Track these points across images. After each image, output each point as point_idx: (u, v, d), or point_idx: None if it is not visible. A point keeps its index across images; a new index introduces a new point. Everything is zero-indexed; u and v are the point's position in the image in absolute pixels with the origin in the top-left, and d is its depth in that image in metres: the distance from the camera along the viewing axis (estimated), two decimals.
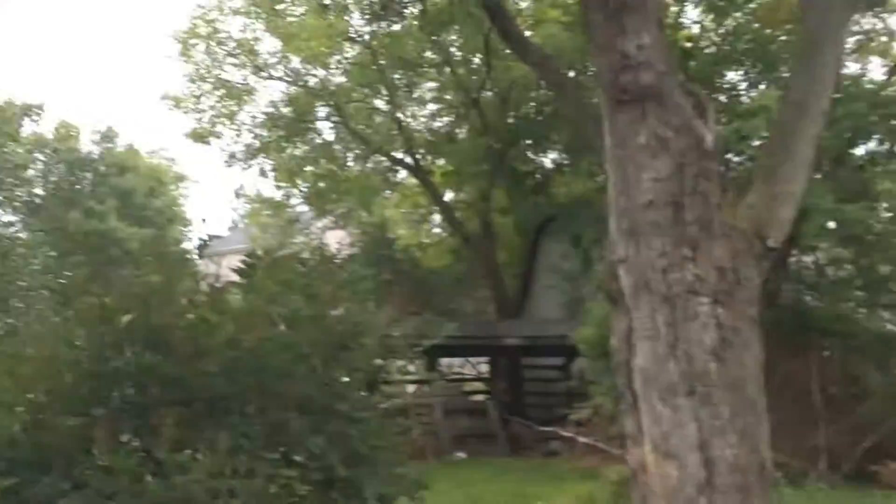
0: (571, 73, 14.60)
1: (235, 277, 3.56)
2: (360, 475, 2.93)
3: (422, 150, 22.64)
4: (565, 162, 20.78)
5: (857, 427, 13.66)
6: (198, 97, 22.42)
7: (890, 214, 14.57)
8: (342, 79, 22.23)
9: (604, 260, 7.24)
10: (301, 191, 24.30)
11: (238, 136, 23.06)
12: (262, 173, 23.69)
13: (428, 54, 21.20)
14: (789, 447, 13.36)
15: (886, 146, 14.58)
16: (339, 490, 2.95)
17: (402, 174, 23.98)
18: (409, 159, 22.16)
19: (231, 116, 22.69)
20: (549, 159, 22.42)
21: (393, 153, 22.51)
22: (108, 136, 36.49)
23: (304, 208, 25.23)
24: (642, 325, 6.67)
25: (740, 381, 6.50)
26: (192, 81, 22.30)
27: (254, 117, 22.63)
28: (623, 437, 14.16)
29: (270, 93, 25.06)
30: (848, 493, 11.82)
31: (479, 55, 20.28)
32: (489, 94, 21.41)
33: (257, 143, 22.90)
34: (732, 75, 17.03)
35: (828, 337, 14.58)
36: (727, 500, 6.33)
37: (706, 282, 6.48)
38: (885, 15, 17.03)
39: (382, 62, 20.92)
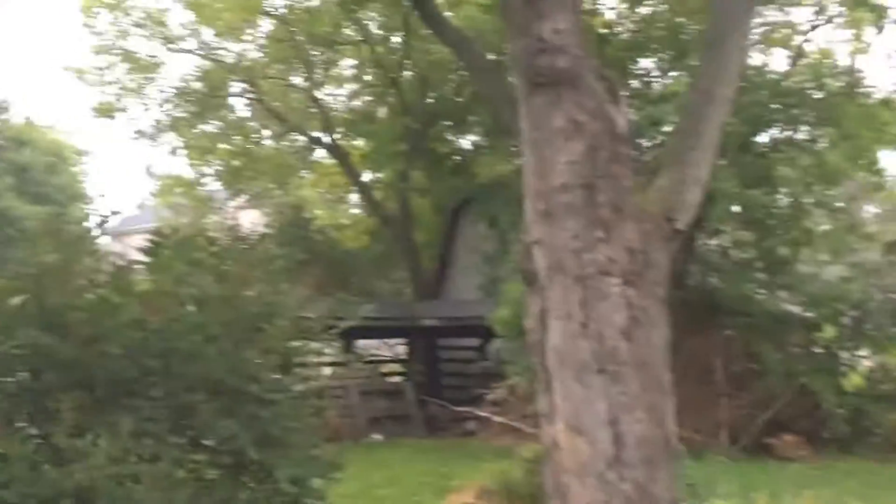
0: (490, 56, 14.61)
1: (142, 257, 3.43)
2: (272, 458, 2.87)
3: (340, 129, 22.37)
4: (484, 144, 20.84)
5: (755, 402, 14.21)
6: (103, 69, 21.59)
7: (789, 200, 15.10)
8: (257, 54, 21.73)
9: (520, 241, 7.30)
10: (214, 169, 23.70)
11: (146, 110, 22.36)
12: (173, 150, 23.02)
13: (346, 31, 20.90)
14: (693, 422, 13.80)
15: (787, 134, 15.07)
16: (250, 473, 2.89)
17: (320, 153, 23.66)
18: (326, 138, 21.87)
19: (139, 90, 21.94)
20: (468, 141, 22.46)
21: (310, 132, 22.15)
22: (1, 108, 34.64)
23: (217, 187, 24.63)
24: (556, 306, 6.76)
25: (648, 359, 6.66)
26: (97, 53, 21.45)
27: (163, 91, 21.92)
28: (537, 416, 14.38)
29: (181, 66, 24.34)
30: (746, 464, 12.26)
31: (398, 34, 20.11)
32: (408, 74, 21.30)
33: (167, 119, 22.20)
34: (646, 62, 17.33)
35: (730, 317, 15.06)
36: (634, 474, 6.50)
37: (617, 263, 6.61)
38: (787, 8, 17.59)
39: (299, 38, 20.54)
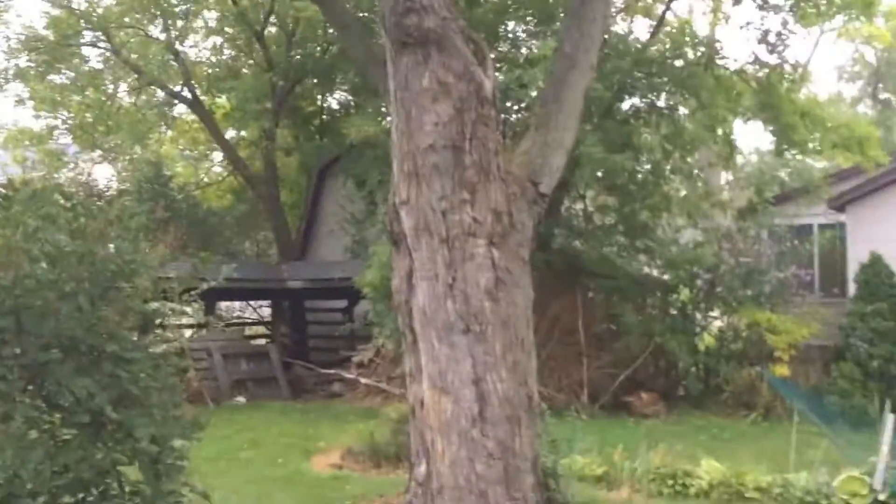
0: (358, 14, 14.48)
1: None
2: (131, 417, 2.85)
3: (202, 85, 21.66)
4: (352, 103, 20.66)
5: (615, 362, 14.89)
6: None
7: (649, 166, 15.77)
8: (111, 1, 20.66)
9: (387, 202, 7.37)
10: (65, 122, 22.51)
11: None
12: (20, 101, 21.69)
13: None
14: (555, 382, 14.40)
15: (648, 102, 15.67)
16: (109, 434, 2.86)
17: (180, 109, 22.85)
18: (187, 93, 21.13)
19: None
20: (335, 100, 22.20)
21: (170, 86, 21.33)
22: None
23: (69, 141, 23.41)
24: (422, 266, 6.90)
25: (512, 319, 6.91)
26: None
27: (8, 39, 20.59)
28: (403, 377, 14.61)
29: (28, 13, 22.85)
30: (605, 421, 12.88)
31: None
32: (274, 29, 20.81)
33: (12, 68, 20.87)
34: (514, 26, 17.56)
35: (593, 279, 15.67)
36: (497, 431, 6.77)
37: (483, 225, 6.79)
38: None
39: None
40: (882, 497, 7.65)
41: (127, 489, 3.06)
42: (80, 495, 2.88)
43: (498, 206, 6.80)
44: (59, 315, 2.64)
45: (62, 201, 2.80)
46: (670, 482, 8.61)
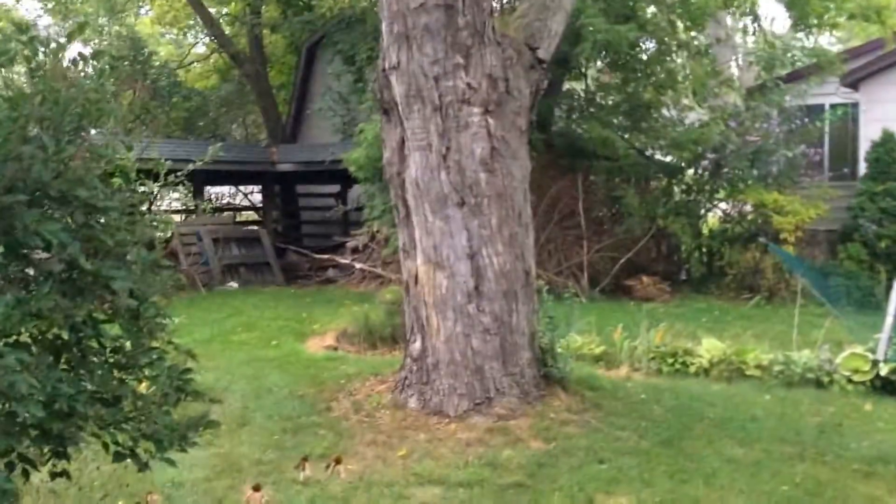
0: None
1: None
2: (107, 269, 2.79)
3: None
4: None
5: (616, 246, 14.91)
6: None
7: (654, 42, 15.36)
8: None
9: (376, 68, 7.18)
10: None
11: None
12: None
13: None
14: (554, 265, 14.46)
15: None
16: (85, 286, 2.81)
17: None
18: None
19: None
20: None
21: None
22: None
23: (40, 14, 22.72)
24: (415, 136, 6.79)
25: (508, 191, 6.84)
26: None
27: None
28: (398, 262, 14.66)
29: None
30: (605, 304, 12.99)
31: None
32: None
33: None
34: None
35: (594, 161, 15.52)
36: (493, 307, 6.79)
37: (478, 91, 6.64)
38: None
39: None
40: (884, 370, 7.74)
41: (107, 346, 3.03)
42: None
43: (493, 72, 6.63)
44: (22, 157, 2.54)
45: (20, 36, 2.67)
46: (670, 360, 8.70)
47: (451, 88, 6.53)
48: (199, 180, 17.94)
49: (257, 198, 22.68)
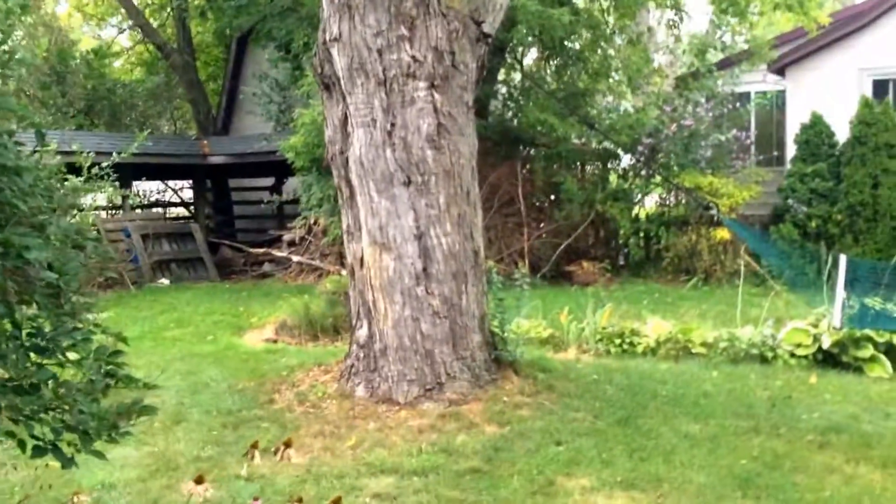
0: None
1: None
2: (19, 236, 2.38)
3: None
4: None
5: (556, 232, 14.74)
6: None
7: (589, 28, 15.21)
8: None
9: (317, 43, 6.78)
10: None
11: None
12: None
13: None
14: (495, 252, 14.20)
15: None
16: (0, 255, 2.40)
17: None
18: None
19: None
20: None
21: None
22: None
23: None
24: (358, 112, 6.40)
25: (456, 169, 6.50)
26: None
27: None
28: (338, 253, 14.09)
29: None
30: (547, 289, 12.78)
31: None
32: None
33: None
34: None
35: (532, 148, 15.32)
36: (443, 289, 6.45)
37: (423, 64, 6.29)
38: None
39: None
40: (826, 343, 7.69)
41: (25, 330, 2.60)
42: None
43: (439, 45, 6.29)
44: None
45: None
46: (618, 341, 8.55)
47: (395, 62, 6.18)
48: (127, 175, 17.16)
49: (188, 194, 21.90)
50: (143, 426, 5.96)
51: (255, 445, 3.22)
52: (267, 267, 16.77)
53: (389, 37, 6.15)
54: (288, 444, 3.29)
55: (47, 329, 2.64)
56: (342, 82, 6.34)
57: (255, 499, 3.53)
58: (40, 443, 2.59)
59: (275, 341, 9.77)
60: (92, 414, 2.56)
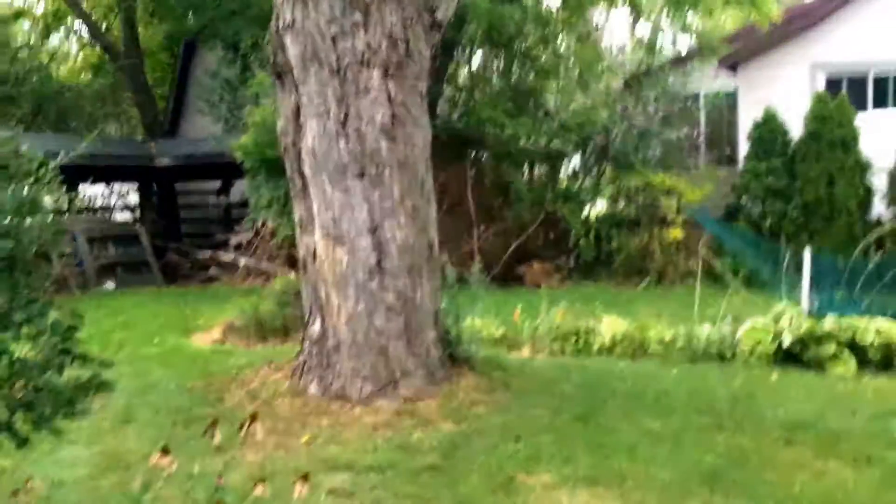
0: None
1: None
2: None
3: None
4: None
5: (506, 232, 14.64)
6: None
7: (538, 26, 15.14)
8: None
9: (269, 31, 6.59)
10: None
11: None
12: None
13: None
14: (445, 253, 14.04)
15: None
16: None
17: None
18: None
19: None
20: None
21: None
22: None
23: None
24: (311, 102, 6.23)
25: (410, 160, 6.35)
26: None
27: None
28: (286, 256, 13.78)
29: None
30: (498, 291, 12.66)
31: None
32: None
33: None
34: None
35: (480, 148, 15.23)
36: (397, 283, 6.29)
37: (377, 52, 6.13)
38: None
39: None
40: (786, 341, 7.69)
41: None
42: None
43: (394, 32, 6.15)
44: None
45: None
46: (573, 340, 8.46)
47: (349, 49, 6.02)
48: (73, 177, 16.69)
49: (133, 199, 21.39)
50: (92, 426, 5.75)
51: (213, 423, 3.06)
52: (214, 271, 16.45)
53: (343, 23, 6.00)
54: (254, 418, 3.13)
55: (2, 305, 2.46)
56: (295, 71, 6.17)
57: (219, 477, 3.37)
58: None
59: (223, 342, 9.52)
60: (49, 390, 2.38)
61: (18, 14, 20.14)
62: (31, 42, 20.91)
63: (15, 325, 2.52)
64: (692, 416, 5.91)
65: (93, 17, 20.05)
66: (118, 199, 20.44)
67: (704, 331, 8.19)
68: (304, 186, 6.35)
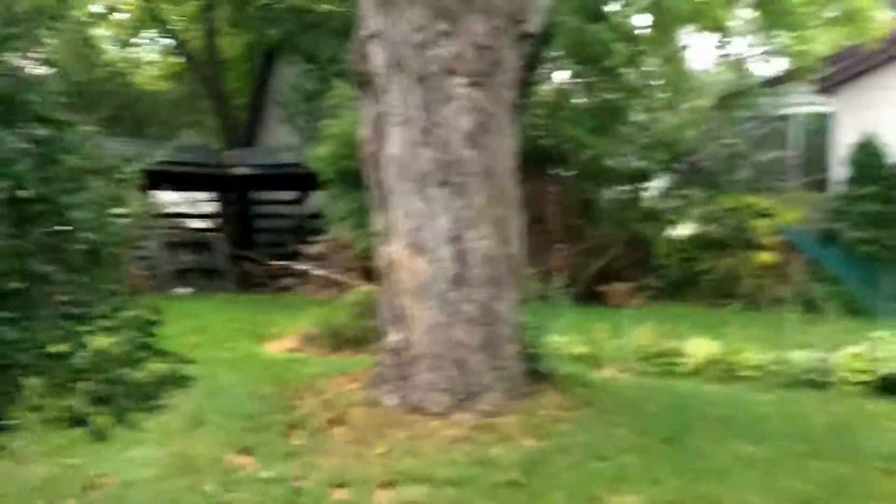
0: None
1: None
2: (60, 193, 2.33)
3: None
4: None
5: (589, 251, 14.59)
6: None
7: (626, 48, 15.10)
8: None
9: (353, 40, 6.75)
10: None
11: None
12: None
13: None
14: (527, 268, 14.06)
15: None
16: (35, 214, 2.35)
17: None
18: None
19: None
20: None
21: None
22: None
23: None
24: (394, 110, 6.35)
25: (495, 170, 6.43)
26: None
27: None
28: (361, 268, 13.99)
29: None
30: (579, 309, 12.58)
31: None
32: None
33: None
34: None
35: (564, 165, 15.23)
36: (478, 294, 6.35)
37: (464, 61, 6.23)
38: None
39: None
40: (883, 370, 7.50)
41: (57, 292, 2.55)
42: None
43: (480, 41, 6.24)
44: None
45: None
46: (658, 360, 8.39)
47: (434, 58, 6.14)
48: (151, 183, 17.21)
49: (209, 207, 21.97)
50: (162, 428, 5.93)
51: (291, 427, 3.15)
52: (288, 280, 16.76)
53: (429, 32, 6.12)
54: (334, 423, 3.21)
55: (83, 295, 2.59)
56: (379, 79, 6.30)
57: (296, 480, 3.46)
58: (72, 414, 2.53)
59: (296, 351, 9.71)
60: (125, 384, 2.49)
61: (103, 16, 20.90)
62: (113, 49, 21.66)
63: (95, 318, 2.63)
64: (786, 443, 5.82)
65: (174, 27, 20.69)
66: (194, 207, 21.01)
67: (798, 356, 8.05)
68: (385, 195, 6.46)
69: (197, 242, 16.95)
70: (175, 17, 21.19)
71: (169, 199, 20.96)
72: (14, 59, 2.40)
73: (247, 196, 20.22)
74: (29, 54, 2.50)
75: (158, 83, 21.87)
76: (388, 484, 4.82)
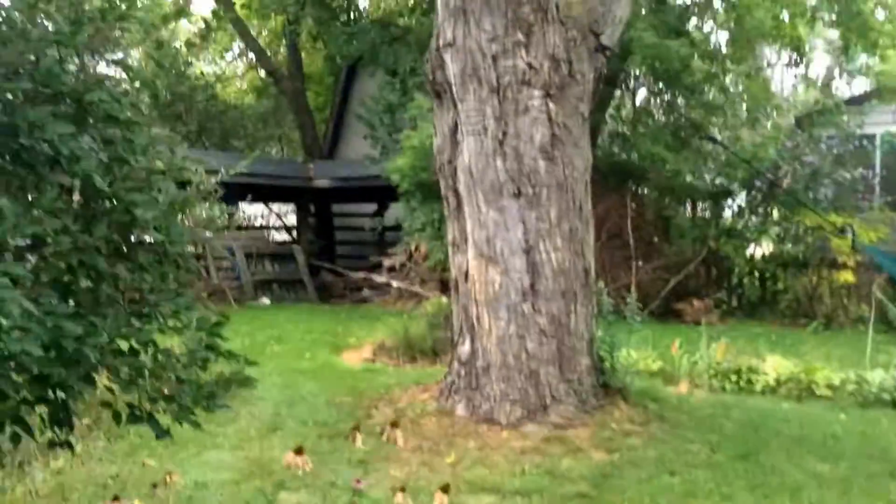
0: None
1: None
2: (126, 191, 2.31)
3: None
4: None
5: (666, 267, 14.28)
6: None
7: (706, 63, 14.81)
8: None
9: (429, 49, 6.72)
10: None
11: None
12: None
13: None
14: (602, 282, 13.82)
15: None
16: (102, 211, 2.34)
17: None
18: None
19: None
20: None
21: None
22: None
23: None
24: (469, 120, 6.29)
25: (569, 182, 6.31)
26: None
27: None
28: (438, 280, 13.90)
29: None
30: (656, 325, 12.32)
31: None
32: None
33: None
34: None
35: (641, 180, 14.97)
36: (550, 307, 6.23)
37: (539, 72, 6.14)
38: None
39: None
40: None
41: (123, 290, 2.53)
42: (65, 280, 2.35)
43: (556, 52, 6.14)
44: (30, 38, 2.08)
45: None
46: (734, 378, 8.12)
47: (510, 68, 6.05)
48: (233, 194, 17.52)
49: (291, 219, 22.28)
50: (240, 433, 5.97)
51: (356, 428, 3.09)
52: (366, 292, 16.83)
53: (505, 42, 6.04)
54: (395, 425, 3.15)
55: (149, 293, 2.57)
56: (454, 89, 6.25)
57: (357, 481, 3.40)
58: (137, 411, 2.51)
59: (373, 361, 9.70)
60: (190, 382, 2.46)
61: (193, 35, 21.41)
62: (199, 63, 22.22)
63: (161, 317, 2.61)
64: (863, 462, 5.57)
65: (259, 43, 21.10)
66: (276, 219, 21.31)
67: (877, 376, 7.70)
68: (459, 205, 6.40)
69: (278, 254, 17.14)
70: (260, 33, 21.63)
71: (253, 210, 21.34)
72: (85, 59, 2.39)
73: (328, 208, 20.43)
74: (104, 56, 2.51)
75: (244, 97, 22.33)
76: (457, 493, 4.72)
